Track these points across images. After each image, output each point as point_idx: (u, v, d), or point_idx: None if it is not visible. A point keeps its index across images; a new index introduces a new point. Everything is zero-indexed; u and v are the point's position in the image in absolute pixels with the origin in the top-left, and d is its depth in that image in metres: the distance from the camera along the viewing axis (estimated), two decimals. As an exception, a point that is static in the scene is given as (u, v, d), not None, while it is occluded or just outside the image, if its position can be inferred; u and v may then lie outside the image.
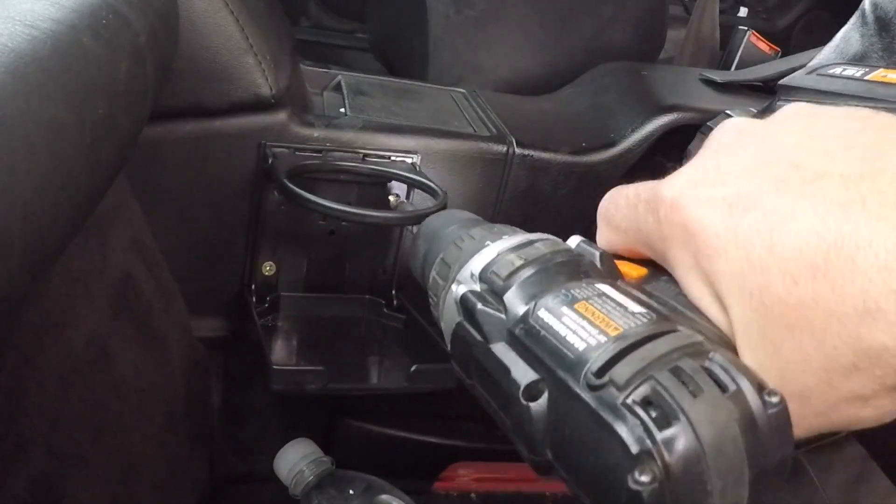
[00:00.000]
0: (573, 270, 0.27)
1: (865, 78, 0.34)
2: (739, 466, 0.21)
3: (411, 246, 0.36)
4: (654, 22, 1.07)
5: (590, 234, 0.32)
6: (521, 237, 0.30)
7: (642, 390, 0.21)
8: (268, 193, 0.63)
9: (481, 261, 0.29)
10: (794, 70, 0.56)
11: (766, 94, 0.80)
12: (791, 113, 0.26)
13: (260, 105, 0.60)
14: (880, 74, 0.34)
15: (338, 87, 0.76)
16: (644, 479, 0.20)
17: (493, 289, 0.28)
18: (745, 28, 1.06)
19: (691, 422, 0.20)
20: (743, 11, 1.64)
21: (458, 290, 0.29)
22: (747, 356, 0.23)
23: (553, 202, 0.74)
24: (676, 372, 0.22)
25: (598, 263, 0.28)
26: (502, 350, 0.26)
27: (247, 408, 0.79)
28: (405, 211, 0.64)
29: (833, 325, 0.21)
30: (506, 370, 0.25)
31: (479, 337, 0.27)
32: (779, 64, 0.89)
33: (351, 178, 0.65)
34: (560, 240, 0.30)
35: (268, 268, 0.67)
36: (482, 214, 0.72)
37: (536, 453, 0.24)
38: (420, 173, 0.65)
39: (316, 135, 0.64)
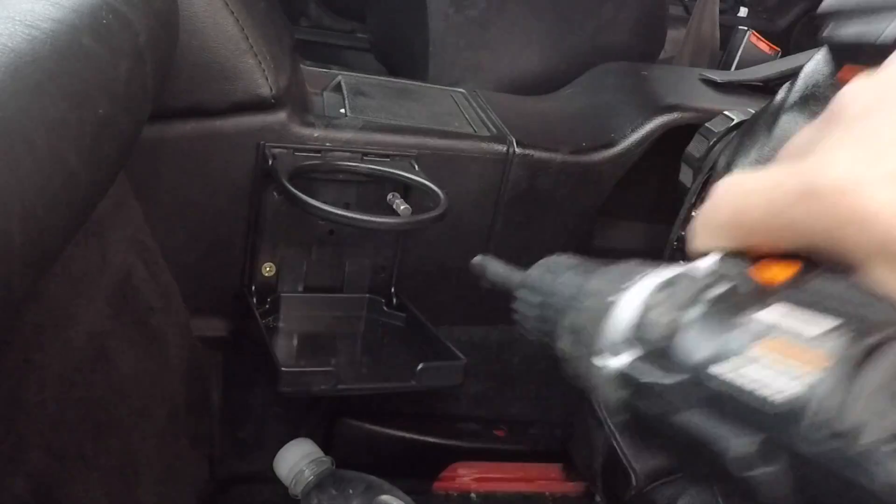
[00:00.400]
0: (734, 302, 0.23)
1: None
2: None
3: (517, 306, 0.33)
4: (654, 22, 1.07)
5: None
6: (650, 280, 0.26)
7: (886, 428, 0.18)
8: (267, 194, 0.63)
9: (622, 322, 0.25)
10: (794, 71, 0.56)
11: (766, 94, 0.80)
12: None
13: (260, 105, 0.60)
14: None
15: (338, 88, 0.76)
16: None
17: (653, 352, 0.24)
18: (745, 28, 1.06)
19: None
20: (743, 11, 1.64)
21: (611, 364, 0.25)
22: None
23: (553, 201, 0.74)
24: None
25: (749, 284, 0.24)
26: (693, 419, 0.22)
27: (247, 408, 0.79)
28: (406, 217, 0.64)
29: None
30: (704, 443, 0.22)
31: (657, 410, 0.23)
32: (779, 64, 0.89)
33: (350, 177, 0.65)
34: (688, 272, 0.26)
35: (268, 269, 0.67)
36: (483, 215, 0.73)
37: None
38: (419, 174, 0.65)
39: (316, 135, 0.64)
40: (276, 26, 0.68)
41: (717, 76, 0.86)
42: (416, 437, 0.84)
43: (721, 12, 1.27)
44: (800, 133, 0.25)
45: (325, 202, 0.58)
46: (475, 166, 0.69)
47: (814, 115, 0.51)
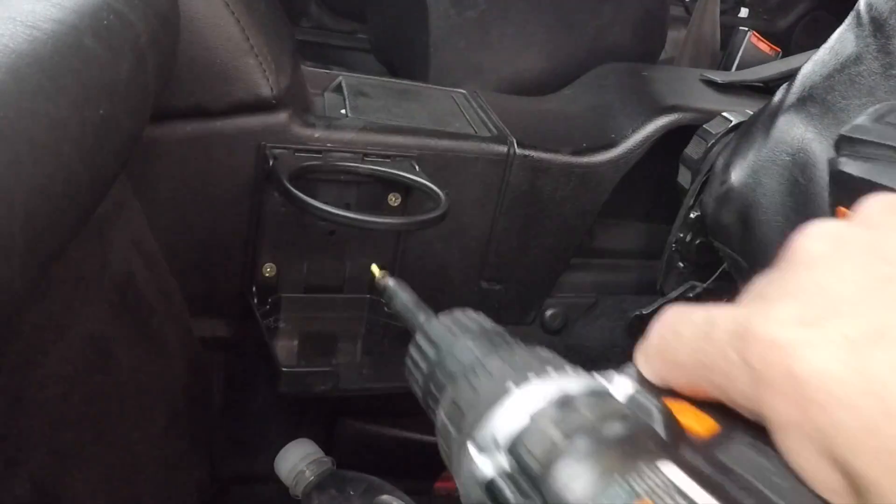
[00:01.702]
0: (630, 448, 0.20)
1: None
2: None
3: (410, 351, 0.30)
4: (654, 23, 1.07)
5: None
6: (555, 384, 0.23)
7: None
8: (268, 195, 0.63)
9: (506, 424, 0.22)
10: (794, 71, 0.56)
11: (766, 95, 0.80)
12: (890, 207, 0.22)
13: (261, 106, 0.60)
14: None
15: (338, 88, 0.76)
16: None
17: (529, 474, 0.21)
18: (746, 29, 1.06)
19: None
20: (744, 12, 1.64)
21: (481, 464, 0.23)
22: None
23: (554, 202, 0.74)
24: None
25: (660, 429, 0.22)
26: None
27: (247, 408, 0.79)
28: (406, 217, 0.64)
29: None
30: None
31: None
32: (779, 64, 0.89)
33: (351, 178, 0.65)
34: (606, 387, 0.24)
35: (268, 269, 0.67)
36: (483, 215, 0.73)
37: None
38: (420, 174, 0.65)
39: (316, 135, 0.64)
40: (277, 27, 0.68)
41: (718, 77, 0.86)
42: (416, 437, 0.84)
43: (722, 13, 1.27)
44: (759, 278, 0.22)
45: (325, 203, 0.58)
46: (476, 167, 0.69)
47: (811, 117, 0.52)
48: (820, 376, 0.18)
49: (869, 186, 0.36)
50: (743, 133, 0.62)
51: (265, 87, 0.59)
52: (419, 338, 0.30)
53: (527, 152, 0.70)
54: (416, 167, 0.66)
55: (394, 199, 0.66)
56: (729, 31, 1.14)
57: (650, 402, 0.22)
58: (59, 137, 0.31)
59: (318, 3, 1.49)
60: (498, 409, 0.23)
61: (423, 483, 0.87)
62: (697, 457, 0.20)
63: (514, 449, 0.22)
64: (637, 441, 0.21)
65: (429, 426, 0.27)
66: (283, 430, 0.78)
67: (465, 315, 0.30)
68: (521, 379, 0.24)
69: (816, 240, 0.22)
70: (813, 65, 0.53)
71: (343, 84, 0.77)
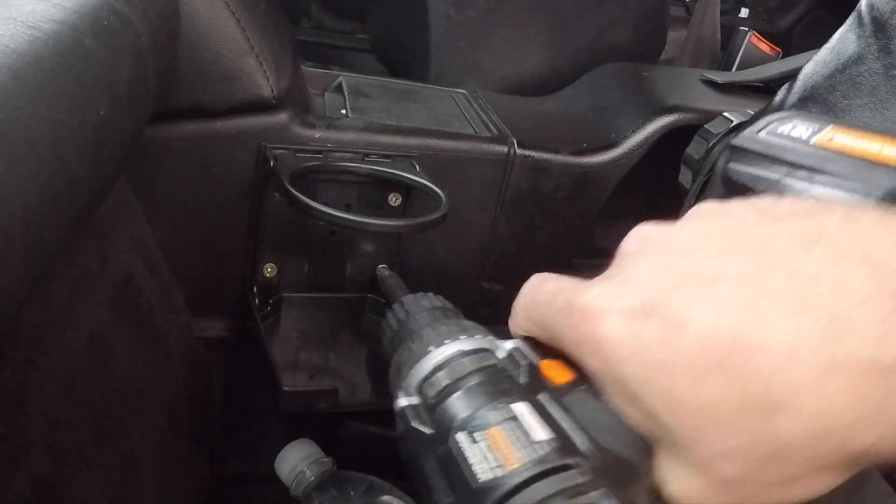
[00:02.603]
0: (494, 389, 0.28)
1: (811, 142, 0.33)
2: None
3: (385, 319, 0.38)
4: (654, 23, 1.07)
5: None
6: (458, 346, 0.31)
7: None
8: (268, 195, 0.63)
9: (421, 372, 0.31)
10: (795, 71, 0.56)
11: (766, 95, 0.80)
12: (695, 214, 0.27)
13: (261, 106, 0.60)
14: (825, 137, 0.32)
15: (339, 89, 0.76)
16: None
17: (426, 406, 0.29)
18: (746, 29, 1.06)
19: None
20: (744, 12, 1.64)
21: (401, 401, 0.31)
22: (667, 449, 0.24)
23: (554, 203, 0.74)
24: None
25: (523, 378, 0.29)
26: (429, 468, 0.28)
27: (248, 408, 0.79)
28: (407, 219, 0.64)
29: (742, 419, 0.21)
30: (430, 490, 0.27)
31: (412, 451, 0.29)
32: (779, 65, 0.89)
33: (352, 178, 0.65)
34: (493, 343, 0.31)
35: (269, 269, 0.67)
36: (484, 215, 0.73)
37: None
38: (421, 174, 0.65)
39: (317, 136, 0.64)
40: (278, 27, 0.68)
41: (718, 77, 0.86)
42: (416, 437, 0.83)
43: (722, 13, 1.27)
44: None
45: (326, 203, 0.58)
46: (476, 167, 0.69)
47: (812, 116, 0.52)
48: (610, 339, 0.24)
49: (748, 191, 0.39)
50: (743, 133, 0.61)
51: (265, 87, 0.59)
52: (394, 307, 0.38)
53: (527, 152, 0.70)
54: (417, 167, 0.66)
55: (394, 200, 0.66)
56: (729, 32, 1.14)
57: (521, 358, 0.29)
58: (60, 138, 0.31)
59: (318, 3, 1.49)
60: (418, 364, 0.31)
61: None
62: (547, 399, 0.27)
63: (419, 389, 0.30)
64: (500, 384, 0.28)
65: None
66: (283, 430, 0.78)
67: (427, 297, 0.38)
68: (438, 343, 0.32)
69: (631, 239, 0.28)
70: (814, 65, 0.53)
71: (343, 84, 0.77)
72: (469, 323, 0.34)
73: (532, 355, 0.29)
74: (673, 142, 0.73)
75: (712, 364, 0.22)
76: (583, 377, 0.27)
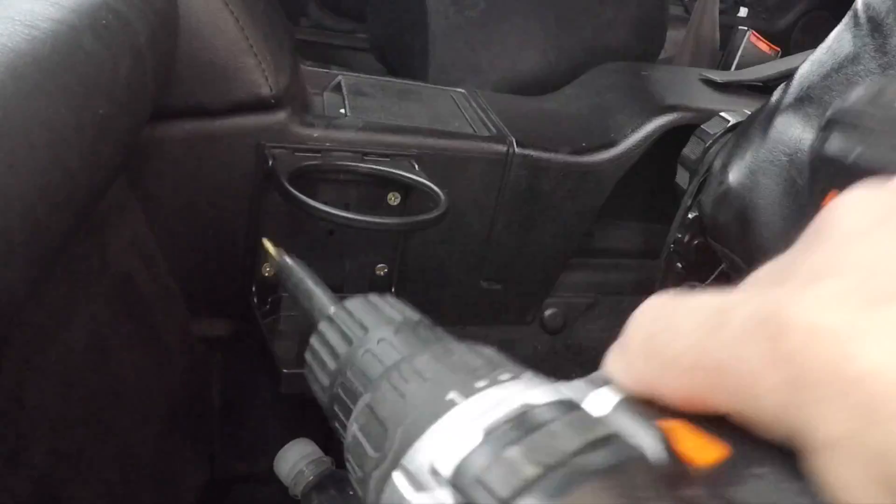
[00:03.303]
0: (619, 483, 0.15)
1: None
2: None
3: (315, 339, 0.24)
4: (654, 22, 1.07)
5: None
6: (513, 395, 0.17)
7: None
8: (267, 194, 0.63)
9: (451, 447, 0.16)
10: (793, 71, 0.56)
11: (766, 95, 0.80)
12: None
13: (260, 105, 0.60)
14: None
15: (338, 88, 0.76)
16: None
17: None
18: (745, 28, 1.06)
19: None
20: (743, 11, 1.64)
21: (413, 500, 0.17)
22: None
23: (553, 202, 0.74)
24: None
25: (653, 457, 0.16)
26: None
27: (247, 408, 0.79)
28: (405, 218, 0.64)
29: None
30: None
31: None
32: (779, 64, 0.89)
33: (351, 178, 0.65)
34: (577, 397, 0.18)
35: (268, 269, 0.67)
36: (483, 215, 0.73)
37: None
38: (419, 174, 0.65)
39: (316, 135, 0.64)
40: (276, 26, 0.68)
41: (717, 76, 0.86)
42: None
43: (721, 12, 1.27)
44: (774, 259, 0.18)
45: (325, 202, 0.58)
46: (475, 166, 0.69)
47: (808, 117, 0.52)
48: (884, 376, 0.13)
49: (859, 168, 0.34)
50: (741, 133, 0.62)
51: (264, 86, 0.59)
52: (323, 328, 0.24)
53: (526, 152, 0.70)
54: (416, 166, 0.66)
55: (393, 199, 0.66)
56: (728, 31, 1.14)
57: (638, 421, 0.16)
58: (58, 137, 0.31)
59: (317, 3, 1.49)
60: (438, 427, 0.17)
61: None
62: (702, 495, 0.15)
63: (461, 482, 0.16)
64: (627, 475, 0.15)
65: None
66: (282, 430, 0.78)
67: (384, 300, 0.23)
68: (466, 386, 0.18)
69: (855, 210, 0.17)
70: (810, 65, 0.53)
71: (342, 84, 0.77)
72: (490, 349, 0.20)
73: (642, 412, 0.17)
74: (672, 141, 0.73)
75: None
76: (741, 451, 0.15)
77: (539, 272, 0.77)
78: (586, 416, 0.16)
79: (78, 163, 0.33)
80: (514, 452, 0.15)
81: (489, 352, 0.20)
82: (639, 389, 0.17)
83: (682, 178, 0.68)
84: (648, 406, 0.17)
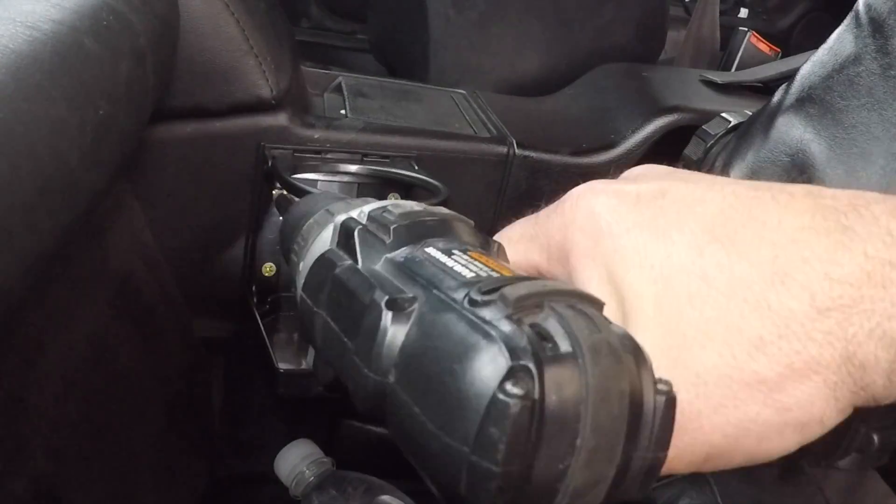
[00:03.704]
0: (469, 231, 0.27)
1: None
2: (616, 435, 0.18)
3: (280, 230, 0.35)
4: (654, 23, 1.07)
5: None
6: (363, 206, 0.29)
7: (535, 315, 0.19)
8: (267, 195, 0.63)
9: (367, 207, 0.28)
10: (794, 72, 0.56)
11: (766, 96, 0.80)
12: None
13: (260, 106, 0.60)
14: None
15: (338, 89, 0.76)
16: (516, 390, 0.17)
17: (382, 223, 0.26)
18: (746, 29, 1.06)
19: (585, 360, 0.18)
20: (743, 12, 1.65)
21: (338, 219, 0.28)
22: (640, 335, 0.21)
23: (553, 203, 0.74)
24: (576, 309, 0.19)
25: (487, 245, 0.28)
26: (373, 272, 0.24)
27: (247, 408, 0.79)
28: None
29: (740, 291, 0.21)
30: (371, 286, 0.23)
31: (348, 260, 0.25)
32: (779, 65, 0.89)
33: (350, 178, 0.66)
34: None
35: (268, 269, 0.67)
36: (482, 216, 0.73)
37: (376, 372, 0.21)
38: (419, 171, 0.65)
39: (316, 136, 0.64)
40: (277, 27, 0.68)
41: (718, 77, 0.86)
42: (416, 437, 0.83)
43: (721, 13, 1.27)
44: None
45: (325, 203, 0.58)
46: (475, 167, 0.69)
47: (810, 117, 0.52)
48: (613, 212, 0.24)
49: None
50: (742, 134, 0.62)
51: (265, 87, 0.59)
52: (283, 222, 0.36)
53: (526, 153, 0.70)
54: (416, 167, 0.66)
55: (393, 199, 0.66)
56: (729, 32, 1.14)
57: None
58: (59, 138, 0.31)
59: (318, 4, 1.49)
60: (356, 209, 0.29)
61: (423, 483, 0.87)
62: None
63: (373, 212, 0.27)
64: (477, 235, 0.29)
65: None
66: (282, 431, 0.78)
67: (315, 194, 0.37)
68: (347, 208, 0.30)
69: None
70: (811, 65, 0.53)
71: (343, 84, 0.77)
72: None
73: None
74: (672, 142, 0.73)
75: (720, 235, 0.22)
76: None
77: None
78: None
79: (78, 163, 0.33)
80: (409, 203, 0.28)
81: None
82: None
83: (682, 178, 0.68)
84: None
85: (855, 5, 0.49)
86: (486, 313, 0.19)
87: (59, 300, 0.45)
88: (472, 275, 0.21)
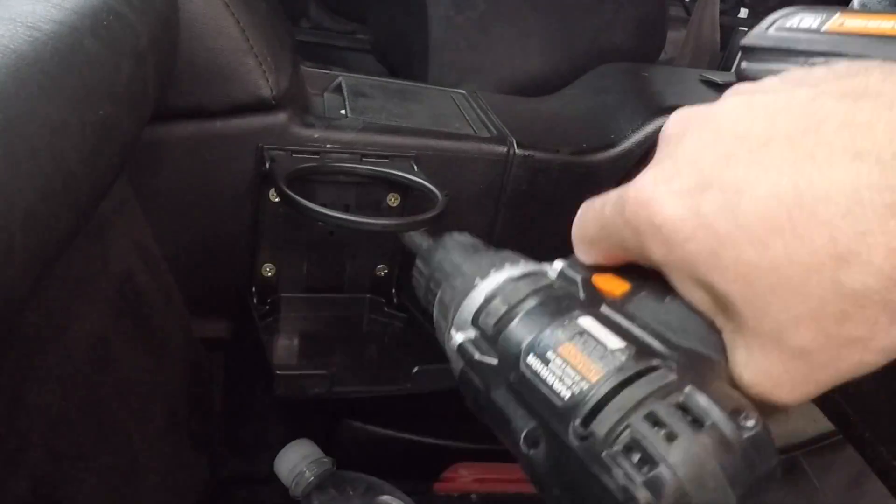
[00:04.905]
0: (555, 308, 0.28)
1: (822, 29, 0.33)
2: (723, 494, 0.22)
3: (413, 272, 0.38)
4: (654, 23, 1.07)
5: None
6: (507, 273, 0.31)
7: (623, 438, 0.22)
8: (267, 195, 0.63)
9: (473, 305, 0.30)
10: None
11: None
12: (733, 91, 0.27)
13: (260, 106, 0.60)
14: (836, 23, 0.33)
15: (338, 89, 0.76)
16: None
17: (486, 336, 0.29)
18: (746, 29, 1.06)
19: (670, 465, 0.21)
20: (743, 12, 1.64)
21: (457, 337, 0.30)
22: (739, 330, 0.24)
23: (554, 202, 0.74)
24: (652, 417, 0.22)
25: (580, 294, 0.28)
26: (502, 398, 0.27)
27: (247, 409, 0.79)
28: (402, 218, 0.64)
29: (812, 278, 0.21)
30: (507, 420, 0.26)
31: (480, 385, 0.28)
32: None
33: (349, 179, 0.66)
34: (544, 269, 0.31)
35: (268, 269, 0.67)
36: (483, 216, 0.73)
37: (546, 494, 0.25)
38: (418, 174, 0.65)
39: (316, 136, 0.64)
40: (277, 28, 0.68)
41: (718, 77, 0.86)
42: (416, 437, 0.84)
43: (721, 13, 1.27)
44: None
45: (324, 204, 0.58)
46: (475, 167, 0.69)
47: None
48: (670, 220, 0.24)
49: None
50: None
51: (265, 87, 0.59)
52: (418, 261, 0.38)
53: (527, 152, 0.70)
54: (415, 167, 0.66)
55: (393, 200, 0.66)
56: (729, 32, 1.14)
57: (574, 275, 0.29)
58: (59, 138, 0.31)
59: (318, 4, 1.49)
60: (467, 298, 0.31)
61: (423, 483, 0.87)
62: (609, 310, 0.27)
63: (475, 320, 0.30)
64: (561, 303, 0.28)
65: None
66: (282, 431, 0.78)
67: (453, 237, 0.38)
68: (484, 273, 0.31)
69: (672, 122, 0.27)
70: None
71: (343, 84, 0.77)
72: (508, 252, 0.33)
73: (584, 271, 0.29)
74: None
75: (776, 226, 0.21)
76: (639, 285, 0.27)
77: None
78: (542, 276, 0.30)
79: (79, 163, 0.33)
80: (498, 301, 0.29)
81: (506, 252, 0.33)
82: (587, 261, 0.30)
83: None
84: (588, 268, 0.29)
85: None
86: (590, 448, 0.23)
87: (59, 300, 0.45)
88: (569, 394, 0.24)
